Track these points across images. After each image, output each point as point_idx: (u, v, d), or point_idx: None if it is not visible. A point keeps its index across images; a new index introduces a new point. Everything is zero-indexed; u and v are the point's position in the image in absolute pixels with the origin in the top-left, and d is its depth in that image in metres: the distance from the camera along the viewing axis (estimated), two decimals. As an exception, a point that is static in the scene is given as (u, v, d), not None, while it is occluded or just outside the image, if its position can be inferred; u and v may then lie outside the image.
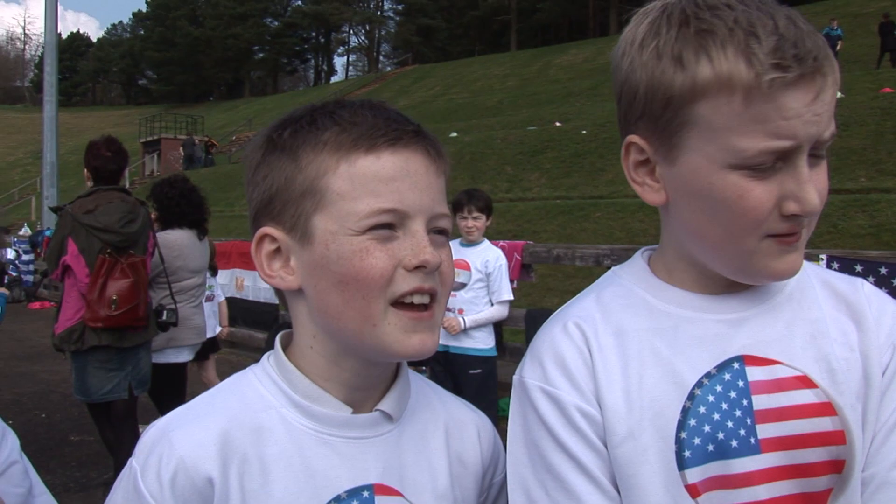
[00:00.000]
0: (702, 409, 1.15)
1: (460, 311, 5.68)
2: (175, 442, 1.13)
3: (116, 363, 5.10)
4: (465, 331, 5.64)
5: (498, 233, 16.39)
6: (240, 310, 10.67)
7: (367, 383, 1.21)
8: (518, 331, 7.99)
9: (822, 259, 5.08)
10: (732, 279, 1.19)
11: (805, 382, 1.15)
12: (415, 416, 1.28)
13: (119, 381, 5.12)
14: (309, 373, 1.20)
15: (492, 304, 5.80)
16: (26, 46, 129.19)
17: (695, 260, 1.21)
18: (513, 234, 16.18)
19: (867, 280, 4.63)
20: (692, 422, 1.14)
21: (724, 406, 1.14)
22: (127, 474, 1.16)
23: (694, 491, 1.13)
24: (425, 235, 1.12)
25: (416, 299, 1.12)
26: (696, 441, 1.14)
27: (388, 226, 1.11)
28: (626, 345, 1.21)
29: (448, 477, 1.27)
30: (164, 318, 5.42)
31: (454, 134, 29.36)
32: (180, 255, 5.82)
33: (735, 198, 1.09)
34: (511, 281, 7.29)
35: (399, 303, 1.12)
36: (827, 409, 1.14)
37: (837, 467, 1.13)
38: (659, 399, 1.16)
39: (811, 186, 1.07)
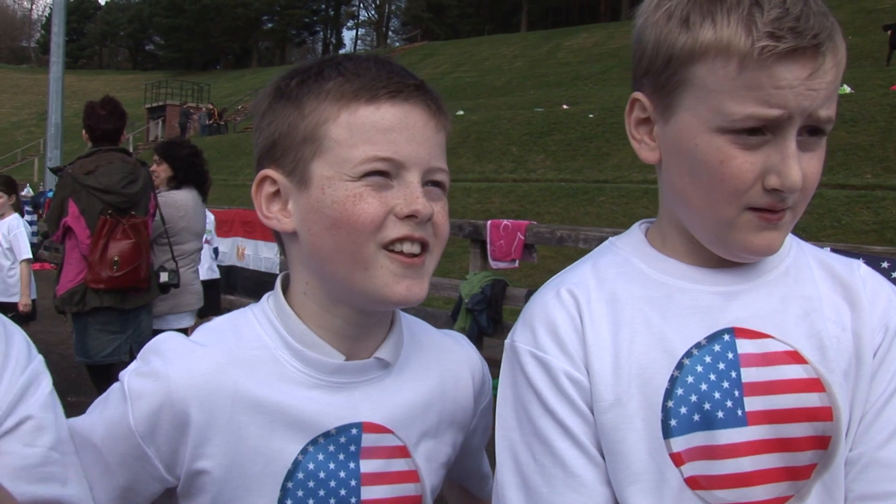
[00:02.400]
0: (690, 379, 1.16)
1: None
2: (170, 368, 1.19)
3: (118, 325, 5.10)
4: None
5: (501, 212, 16.39)
6: (240, 278, 10.68)
7: (361, 333, 1.26)
8: (518, 310, 7.99)
9: (827, 252, 5.08)
10: (712, 251, 1.21)
11: (795, 358, 1.16)
12: (408, 359, 1.33)
13: (120, 344, 5.13)
14: (304, 318, 1.25)
15: None
16: (33, 6, 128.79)
17: (685, 228, 1.23)
18: (516, 214, 16.15)
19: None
20: (680, 391, 1.16)
21: (713, 377, 1.16)
22: (128, 369, 1.24)
23: (678, 459, 1.14)
24: (419, 186, 1.17)
25: (406, 248, 1.17)
26: (683, 410, 1.15)
27: (383, 174, 1.15)
28: (619, 312, 1.22)
29: (437, 415, 1.34)
30: (166, 279, 5.40)
31: (461, 112, 29.27)
32: (185, 216, 5.79)
33: (717, 162, 1.11)
34: (512, 260, 7.30)
35: (390, 249, 1.16)
36: (815, 385, 1.15)
37: (822, 443, 1.14)
38: (648, 367, 1.18)
39: (795, 162, 1.09)
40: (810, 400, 1.14)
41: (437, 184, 1.22)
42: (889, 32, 27.55)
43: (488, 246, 7.67)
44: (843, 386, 1.16)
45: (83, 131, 5.26)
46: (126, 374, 1.22)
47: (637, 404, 1.17)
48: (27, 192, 24.47)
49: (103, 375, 5.25)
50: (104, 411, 1.25)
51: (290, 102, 1.20)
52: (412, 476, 1.29)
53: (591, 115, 23.65)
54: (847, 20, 33.18)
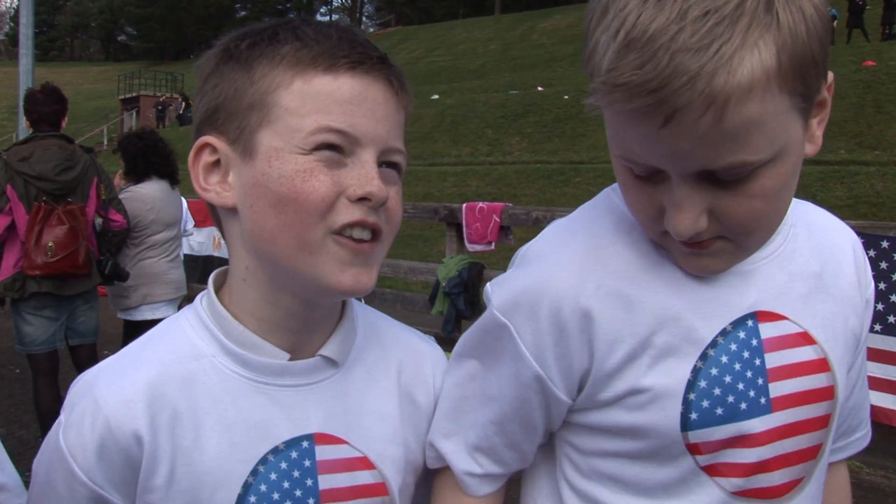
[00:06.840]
0: (714, 371, 1.08)
1: None
2: (100, 400, 1.07)
3: (52, 311, 5.11)
4: None
5: (478, 195, 16.38)
6: (216, 268, 10.61)
7: (306, 325, 1.15)
8: (496, 293, 7.98)
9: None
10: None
11: (806, 339, 1.13)
12: (362, 357, 1.22)
13: (54, 331, 5.15)
14: (243, 314, 1.14)
15: None
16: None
17: None
18: (492, 196, 16.17)
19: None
20: (702, 383, 1.08)
21: (737, 367, 1.08)
22: (54, 429, 1.11)
23: (695, 449, 1.09)
24: (374, 167, 1.06)
25: (356, 233, 1.06)
26: (705, 404, 1.07)
27: (336, 148, 1.05)
28: (633, 296, 1.09)
29: (398, 419, 1.23)
30: (108, 270, 5.36)
31: (436, 96, 29.21)
32: (153, 209, 5.77)
33: (621, 183, 1.06)
34: (489, 243, 7.31)
35: (340, 234, 1.06)
36: (823, 365, 1.13)
37: (825, 422, 1.14)
38: (670, 352, 1.09)
39: (681, 212, 0.98)
40: (820, 381, 1.12)
41: (393, 165, 1.12)
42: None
43: (464, 229, 7.67)
44: (840, 362, 1.15)
45: (24, 119, 5.24)
46: (58, 434, 1.08)
47: (657, 393, 1.08)
48: None
49: (45, 373, 5.18)
50: (46, 491, 1.12)
51: (239, 66, 1.08)
52: (379, 489, 1.19)
53: (566, 97, 23.67)
54: (818, -3, 33.11)
